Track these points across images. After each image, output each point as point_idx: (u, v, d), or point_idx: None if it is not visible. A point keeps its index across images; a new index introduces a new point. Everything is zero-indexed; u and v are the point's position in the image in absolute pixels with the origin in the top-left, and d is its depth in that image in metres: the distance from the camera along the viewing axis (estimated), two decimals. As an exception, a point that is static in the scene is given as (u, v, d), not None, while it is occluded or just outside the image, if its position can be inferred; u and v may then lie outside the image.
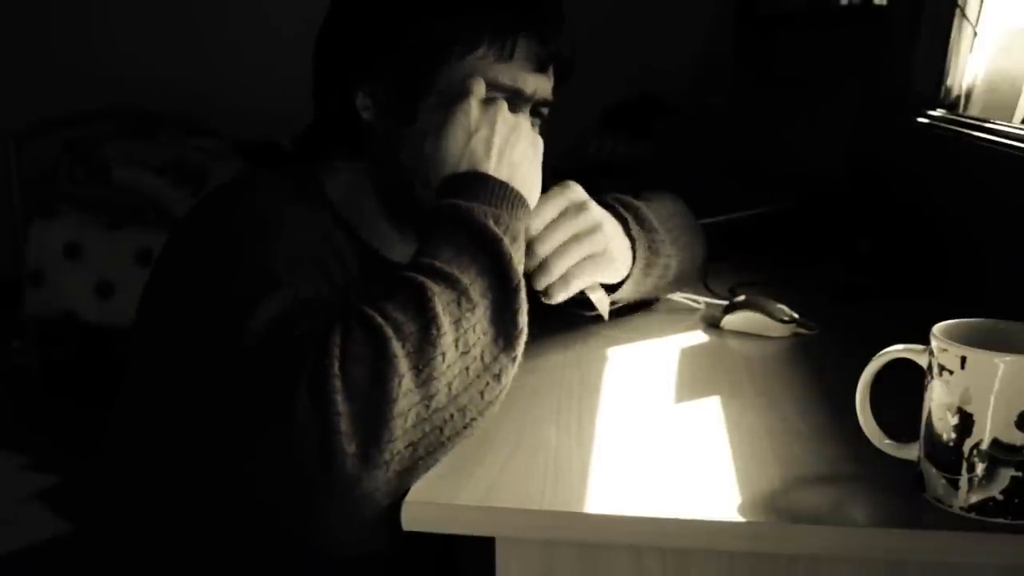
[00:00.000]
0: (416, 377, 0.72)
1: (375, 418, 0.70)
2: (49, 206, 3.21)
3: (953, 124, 1.46)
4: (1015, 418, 0.67)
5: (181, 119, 3.68)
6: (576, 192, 1.00)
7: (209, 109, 3.70)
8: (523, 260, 0.86)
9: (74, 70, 3.69)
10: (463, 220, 0.83)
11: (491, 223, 0.83)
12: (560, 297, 1.00)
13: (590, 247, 0.99)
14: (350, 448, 0.69)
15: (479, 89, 0.94)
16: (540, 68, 1.00)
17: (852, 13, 2.38)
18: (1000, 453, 0.68)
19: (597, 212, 1.01)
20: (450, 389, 0.74)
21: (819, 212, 1.63)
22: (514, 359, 0.80)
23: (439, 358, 0.74)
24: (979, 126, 1.37)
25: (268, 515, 0.77)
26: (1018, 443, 0.68)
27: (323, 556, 0.77)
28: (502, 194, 0.87)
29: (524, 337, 0.81)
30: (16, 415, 3.07)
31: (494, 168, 0.89)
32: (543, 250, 0.97)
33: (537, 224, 0.96)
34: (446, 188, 0.89)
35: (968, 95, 1.57)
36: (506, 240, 0.82)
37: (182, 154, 3.38)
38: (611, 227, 1.03)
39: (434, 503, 0.72)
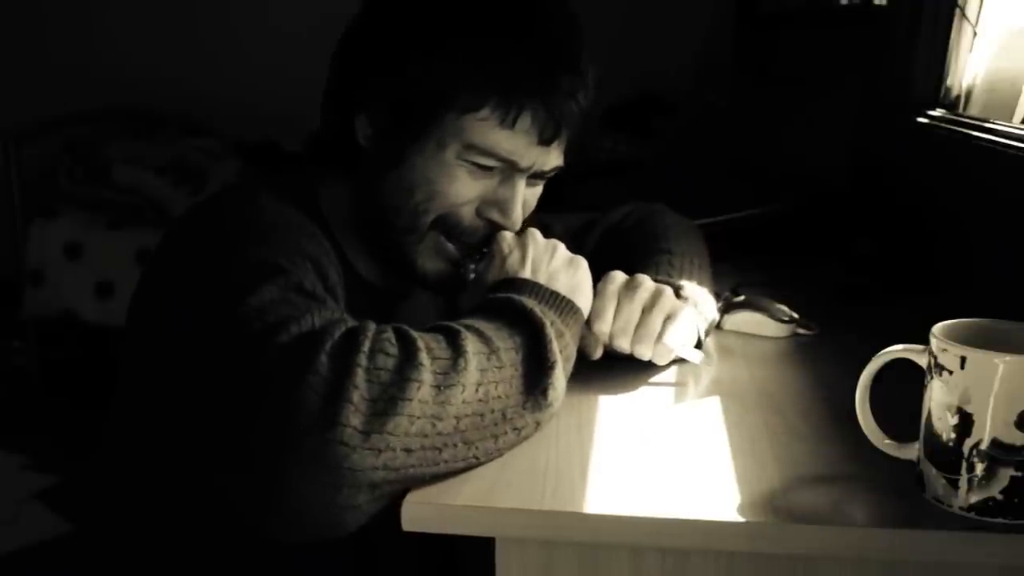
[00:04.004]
0: (435, 394, 0.73)
1: (386, 406, 0.71)
2: (49, 206, 3.21)
3: (953, 124, 1.46)
4: (1015, 418, 0.67)
5: (181, 119, 3.69)
6: (616, 276, 1.00)
7: (210, 109, 3.70)
8: (571, 356, 0.88)
9: (74, 70, 3.69)
10: (508, 304, 0.85)
11: (536, 311, 0.84)
12: (665, 360, 1.01)
13: (661, 311, 0.98)
14: (354, 420, 0.69)
15: (508, 234, 0.97)
16: (543, 142, 0.95)
17: (852, 13, 2.38)
18: (1000, 453, 0.68)
19: (647, 280, 1.00)
20: (458, 423, 0.75)
21: (819, 212, 1.63)
22: (538, 423, 0.82)
23: (458, 388, 0.75)
24: (979, 126, 1.37)
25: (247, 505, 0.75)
26: (1018, 443, 0.68)
27: (280, 540, 0.75)
28: (547, 294, 0.90)
29: (554, 409, 0.83)
30: (16, 415, 3.07)
31: (530, 276, 0.91)
32: (624, 342, 0.98)
33: (605, 327, 0.97)
34: (491, 291, 0.91)
35: (968, 95, 1.57)
36: (549, 329, 0.83)
37: (182, 154, 3.38)
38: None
39: (434, 503, 0.72)
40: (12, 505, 2.47)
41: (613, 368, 0.99)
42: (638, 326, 0.98)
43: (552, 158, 0.99)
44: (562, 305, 0.90)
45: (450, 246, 1.00)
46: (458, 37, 0.94)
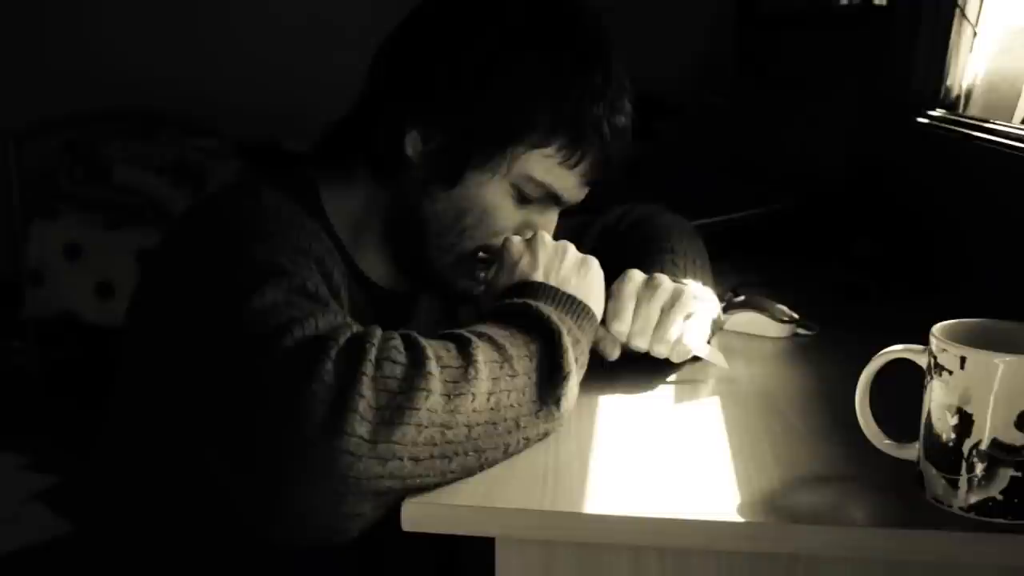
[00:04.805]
0: (444, 403, 0.72)
1: (393, 415, 0.70)
2: (49, 206, 3.21)
3: (953, 124, 1.46)
4: (1015, 418, 0.67)
5: (181, 119, 3.69)
6: (635, 276, 0.99)
7: (210, 109, 3.70)
8: (585, 363, 0.87)
9: (74, 70, 3.68)
10: (524, 311, 0.84)
11: (553, 318, 0.83)
12: (683, 358, 0.99)
13: (682, 310, 0.97)
14: (360, 429, 0.68)
15: (516, 238, 0.96)
16: (590, 183, 0.99)
17: (852, 14, 2.38)
18: (1000, 453, 0.68)
19: (666, 280, 0.99)
20: (470, 432, 0.74)
21: (819, 212, 1.62)
22: (546, 432, 0.81)
23: (468, 397, 0.74)
24: (979, 126, 1.37)
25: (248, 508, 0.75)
26: (1018, 443, 0.68)
27: (283, 546, 0.75)
28: (563, 299, 0.88)
29: (565, 418, 0.82)
30: (16, 415, 3.07)
31: (542, 279, 0.91)
32: (643, 342, 0.97)
33: (623, 327, 0.96)
34: (503, 296, 0.90)
35: (968, 95, 1.57)
36: (566, 338, 0.82)
37: (182, 154, 3.38)
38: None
39: (434, 503, 0.72)
40: (12, 505, 2.47)
41: (614, 368, 0.99)
42: (657, 326, 0.97)
43: (584, 194, 1.02)
44: (578, 310, 0.89)
45: (478, 264, 1.01)
46: (536, 71, 0.94)
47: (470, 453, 0.74)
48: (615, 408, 0.92)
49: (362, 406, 0.69)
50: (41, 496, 2.51)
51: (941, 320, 0.73)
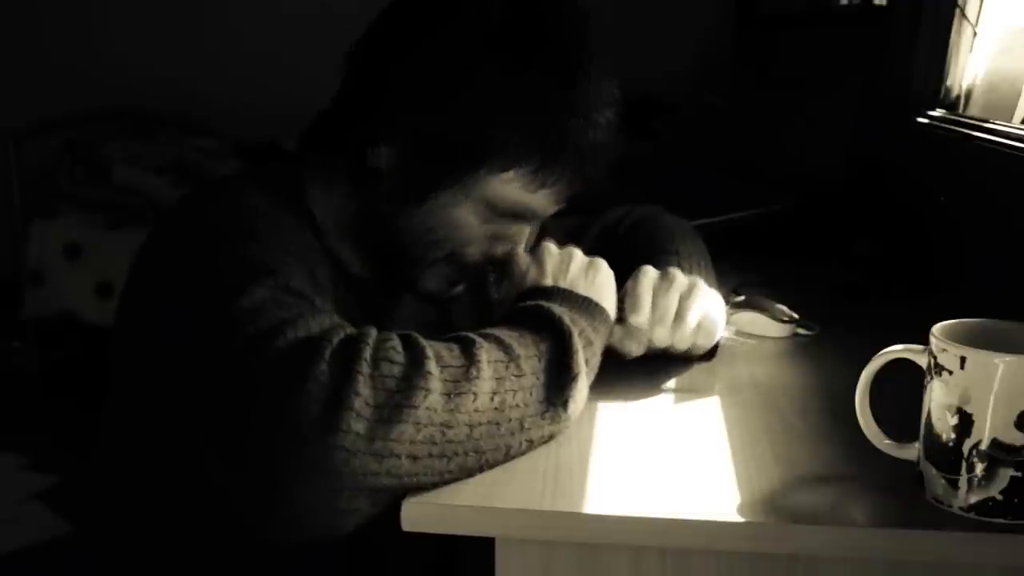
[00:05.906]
0: (444, 403, 0.72)
1: (390, 413, 0.70)
2: (49, 206, 3.21)
3: (953, 124, 1.46)
4: (1015, 418, 0.68)
5: (180, 119, 3.69)
6: (650, 270, 0.99)
7: (208, 109, 3.70)
8: (596, 365, 0.86)
9: (74, 70, 3.69)
10: (536, 312, 0.84)
11: (565, 319, 0.83)
12: (708, 344, 0.99)
13: (700, 300, 0.97)
14: (356, 426, 0.68)
15: (522, 251, 0.96)
16: (563, 201, 0.99)
17: (852, 13, 2.38)
18: (1000, 453, 0.68)
19: (680, 273, 0.99)
20: (471, 431, 0.74)
21: (819, 212, 1.63)
22: (551, 435, 0.81)
23: (470, 397, 0.74)
24: (979, 126, 1.37)
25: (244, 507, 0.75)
26: (1018, 443, 0.68)
27: (280, 543, 0.75)
28: (578, 299, 0.88)
29: (571, 421, 0.82)
30: (16, 415, 3.07)
31: (552, 284, 0.90)
32: (663, 332, 0.96)
33: (642, 319, 0.95)
34: (516, 302, 0.89)
35: (968, 95, 1.57)
36: (577, 339, 0.82)
37: (182, 154, 3.38)
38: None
39: (434, 503, 0.72)
40: (12, 505, 2.47)
41: (628, 367, 0.98)
42: (676, 315, 0.96)
43: (559, 208, 1.01)
44: (593, 310, 0.88)
45: (451, 270, 1.01)
46: (504, 93, 0.92)
47: (470, 454, 0.74)
48: (615, 408, 0.91)
49: (358, 404, 0.69)
50: (41, 496, 2.51)
51: (941, 320, 0.73)
